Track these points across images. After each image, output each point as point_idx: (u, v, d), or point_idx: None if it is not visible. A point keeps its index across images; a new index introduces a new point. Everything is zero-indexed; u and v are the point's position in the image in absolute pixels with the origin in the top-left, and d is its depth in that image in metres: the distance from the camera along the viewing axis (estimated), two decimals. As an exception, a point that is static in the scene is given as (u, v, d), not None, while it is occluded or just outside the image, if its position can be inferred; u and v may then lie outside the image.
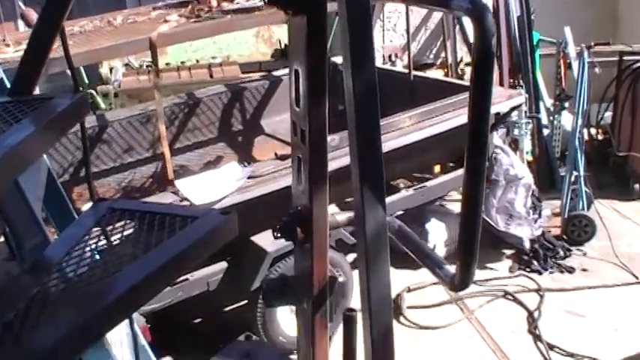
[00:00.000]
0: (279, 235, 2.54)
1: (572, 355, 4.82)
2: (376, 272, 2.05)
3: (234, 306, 5.00)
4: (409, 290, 5.58)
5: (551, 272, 5.93)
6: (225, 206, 4.12)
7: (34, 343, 1.50)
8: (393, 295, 5.44)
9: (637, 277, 5.81)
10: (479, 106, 1.80)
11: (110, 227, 2.12)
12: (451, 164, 6.57)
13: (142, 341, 3.77)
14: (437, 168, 6.83)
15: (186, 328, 5.08)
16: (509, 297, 5.56)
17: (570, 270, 5.96)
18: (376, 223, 2.03)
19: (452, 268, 2.32)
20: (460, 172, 5.95)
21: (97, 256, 2.00)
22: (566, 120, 7.46)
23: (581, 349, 4.86)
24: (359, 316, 2.19)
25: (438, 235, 5.92)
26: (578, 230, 6.37)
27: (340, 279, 2.68)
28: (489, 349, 4.90)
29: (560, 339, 4.98)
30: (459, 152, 6.50)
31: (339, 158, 4.57)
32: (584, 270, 5.97)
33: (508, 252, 6.12)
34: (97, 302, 1.67)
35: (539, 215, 6.26)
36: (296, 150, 2.55)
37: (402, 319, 5.26)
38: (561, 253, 6.16)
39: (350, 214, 2.77)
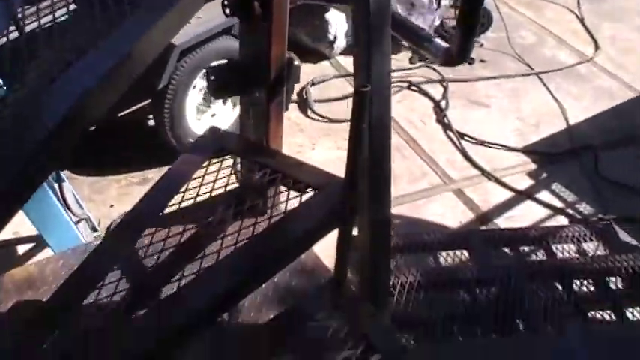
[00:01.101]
0: (231, 11, 2.21)
1: (482, 143, 4.86)
2: (379, 47, 1.80)
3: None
4: (313, 84, 5.36)
5: (451, 63, 5.86)
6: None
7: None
8: (297, 88, 5.23)
9: (532, 68, 5.87)
10: None
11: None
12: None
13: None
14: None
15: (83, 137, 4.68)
16: (414, 88, 5.48)
17: (470, 61, 5.87)
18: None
19: (442, 42, 2.11)
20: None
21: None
22: None
23: (490, 136, 4.91)
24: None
25: (338, 27, 5.64)
26: (474, 21, 6.28)
27: (296, 62, 2.39)
28: (402, 140, 4.85)
29: (468, 128, 5.01)
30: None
31: None
32: (482, 61, 5.95)
33: (406, 44, 5.93)
34: (40, 124, 1.20)
35: (439, 5, 6.08)
36: None
37: (310, 113, 5.07)
38: (460, 44, 6.07)
39: (311, -13, 2.46)
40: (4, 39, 1.53)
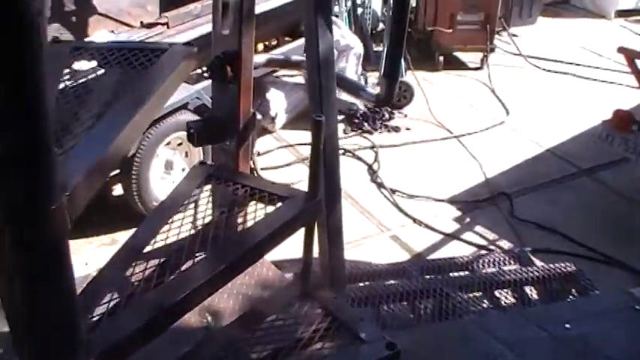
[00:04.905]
0: (209, 74, 2.81)
1: (411, 196, 5.53)
2: (327, 87, 2.43)
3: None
4: (259, 154, 5.98)
5: (380, 132, 6.61)
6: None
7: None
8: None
9: (451, 132, 6.64)
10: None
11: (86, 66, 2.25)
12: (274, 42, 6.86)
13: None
14: (260, 47, 7.13)
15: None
16: (349, 154, 6.16)
17: (396, 129, 6.66)
18: (327, 43, 2.39)
19: (373, 90, 2.76)
20: (297, 42, 6.38)
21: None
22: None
23: (418, 191, 5.58)
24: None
25: (278, 104, 6.31)
26: (398, 95, 7.06)
27: (258, 117, 2.99)
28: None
29: (399, 185, 5.67)
30: (292, 26, 6.81)
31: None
32: (407, 129, 6.71)
33: (340, 117, 6.65)
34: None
35: (366, 82, 6.87)
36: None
37: (259, 179, 5.67)
38: (387, 115, 6.84)
39: (269, 56, 3.10)
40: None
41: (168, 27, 4.91)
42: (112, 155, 1.83)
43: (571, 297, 3.76)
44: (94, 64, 2.23)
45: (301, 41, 6.34)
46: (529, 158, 6.22)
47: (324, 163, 2.46)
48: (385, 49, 2.50)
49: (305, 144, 6.16)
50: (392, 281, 3.92)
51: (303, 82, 7.00)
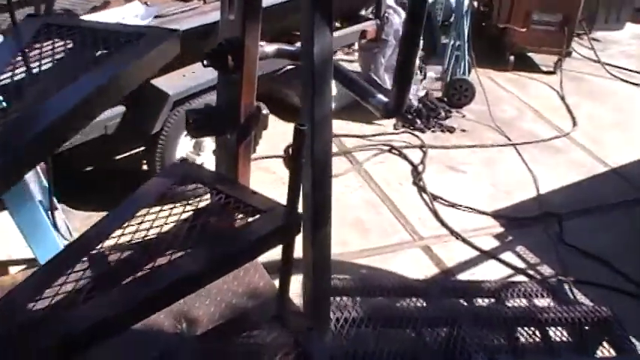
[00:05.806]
0: (208, 63, 2.54)
1: (453, 205, 5.16)
2: (321, 93, 2.12)
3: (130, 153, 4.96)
4: (300, 144, 5.69)
5: (433, 131, 6.23)
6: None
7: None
8: (284, 145, 5.53)
9: (510, 139, 6.21)
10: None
11: (47, 43, 2.02)
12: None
13: (44, 182, 3.72)
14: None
15: (80, 174, 5.00)
16: (395, 151, 5.82)
17: (451, 130, 6.28)
18: (324, 44, 2.08)
19: (383, 97, 2.43)
20: (349, 29, 6.04)
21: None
22: (449, -10, 7.71)
23: (462, 200, 5.20)
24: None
25: (328, 92, 5.99)
26: (458, 94, 6.67)
27: (264, 111, 2.70)
28: (378, 197, 5.15)
29: (442, 191, 5.30)
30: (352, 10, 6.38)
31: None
32: (463, 130, 6.31)
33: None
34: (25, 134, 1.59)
35: (424, 77, 6.50)
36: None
37: (295, 169, 5.38)
38: (443, 114, 6.46)
39: (278, 46, 2.79)
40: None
41: (205, 2, 4.65)
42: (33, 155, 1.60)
43: (600, 348, 3.35)
44: (58, 44, 1.99)
45: (355, 27, 6.03)
46: (589, 177, 5.74)
47: (313, 178, 2.16)
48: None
49: (349, 135, 5.88)
50: (406, 301, 3.60)
51: (357, 69, 6.69)
